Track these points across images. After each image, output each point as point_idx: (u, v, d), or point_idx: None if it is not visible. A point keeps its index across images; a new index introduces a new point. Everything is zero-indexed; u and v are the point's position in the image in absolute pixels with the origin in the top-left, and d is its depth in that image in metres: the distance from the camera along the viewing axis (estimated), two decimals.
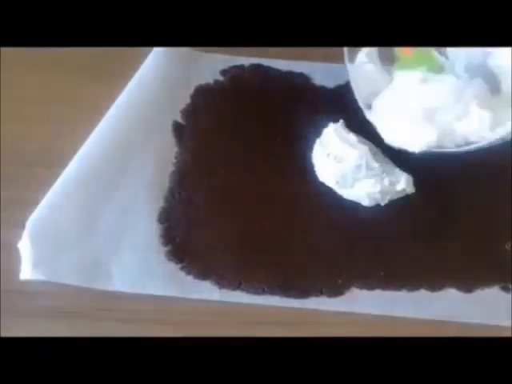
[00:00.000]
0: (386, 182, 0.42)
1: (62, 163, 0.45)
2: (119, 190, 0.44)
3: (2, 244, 0.42)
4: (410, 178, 0.43)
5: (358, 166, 0.42)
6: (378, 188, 0.42)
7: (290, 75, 0.51)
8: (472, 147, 0.41)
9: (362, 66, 0.45)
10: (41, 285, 0.40)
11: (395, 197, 0.43)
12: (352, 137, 0.44)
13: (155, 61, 0.51)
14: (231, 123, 0.49)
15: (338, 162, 0.43)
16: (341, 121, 0.45)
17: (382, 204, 0.43)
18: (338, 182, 0.43)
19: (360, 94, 0.45)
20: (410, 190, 0.43)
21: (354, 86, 0.45)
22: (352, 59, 0.46)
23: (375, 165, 0.42)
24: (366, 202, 0.43)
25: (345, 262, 0.42)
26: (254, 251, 0.42)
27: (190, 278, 0.41)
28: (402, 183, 0.42)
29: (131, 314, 0.40)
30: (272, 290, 0.40)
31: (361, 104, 0.45)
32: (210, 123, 0.49)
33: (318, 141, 0.45)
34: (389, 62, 0.45)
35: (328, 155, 0.44)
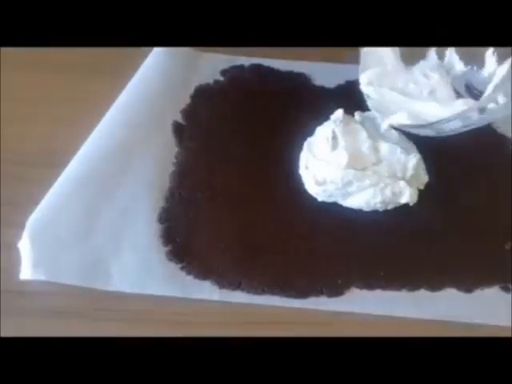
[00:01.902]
0: (389, 192, 0.41)
1: (62, 163, 0.45)
2: (119, 189, 0.44)
3: (2, 244, 0.42)
4: (415, 192, 0.42)
5: (347, 183, 0.41)
6: (378, 198, 0.41)
7: (289, 75, 0.52)
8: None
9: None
10: (41, 285, 0.40)
11: (396, 205, 0.42)
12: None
13: (155, 61, 0.51)
14: (231, 123, 0.49)
15: (320, 186, 0.42)
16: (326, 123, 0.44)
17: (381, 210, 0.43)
18: (324, 198, 0.43)
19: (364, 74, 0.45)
20: (413, 201, 0.42)
21: (361, 68, 0.45)
22: None
23: (366, 181, 0.41)
24: (365, 209, 0.43)
25: (345, 262, 0.42)
26: (254, 251, 0.42)
27: (190, 277, 0.41)
28: (407, 196, 0.41)
29: (131, 313, 0.40)
30: (272, 290, 0.40)
31: (362, 88, 0.44)
32: (210, 123, 0.49)
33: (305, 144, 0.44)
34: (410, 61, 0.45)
35: (307, 168, 0.43)
